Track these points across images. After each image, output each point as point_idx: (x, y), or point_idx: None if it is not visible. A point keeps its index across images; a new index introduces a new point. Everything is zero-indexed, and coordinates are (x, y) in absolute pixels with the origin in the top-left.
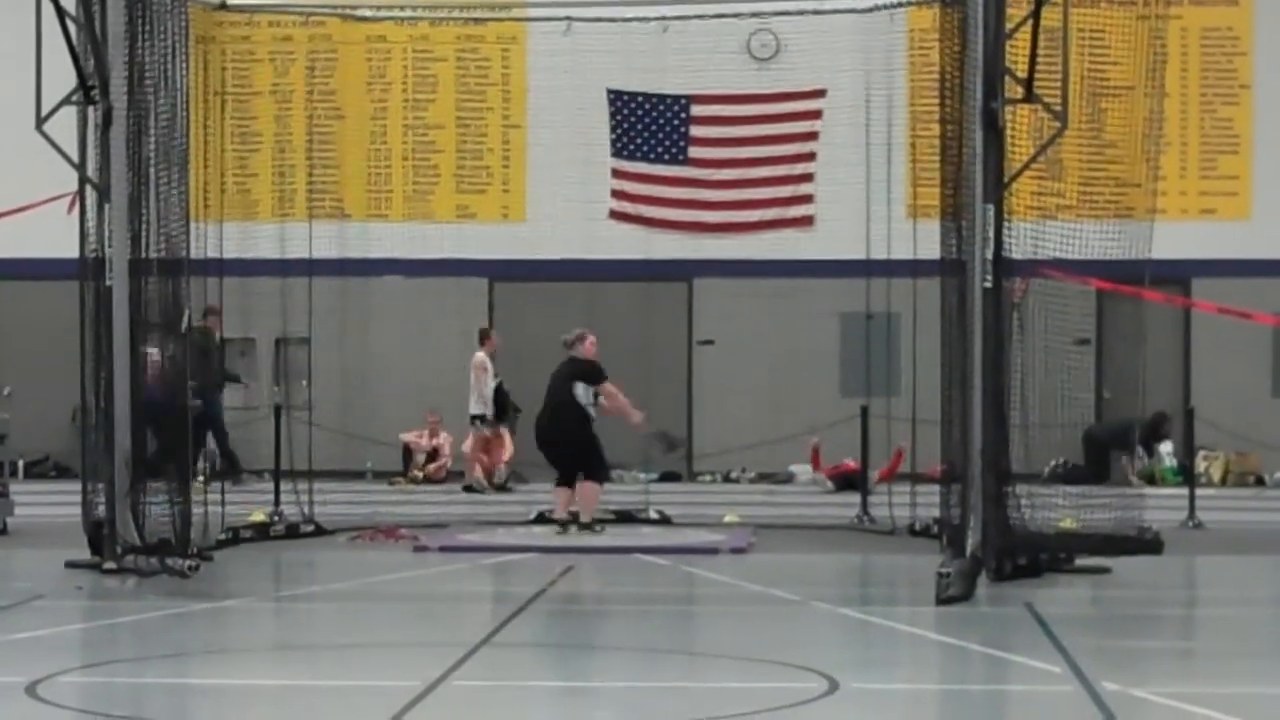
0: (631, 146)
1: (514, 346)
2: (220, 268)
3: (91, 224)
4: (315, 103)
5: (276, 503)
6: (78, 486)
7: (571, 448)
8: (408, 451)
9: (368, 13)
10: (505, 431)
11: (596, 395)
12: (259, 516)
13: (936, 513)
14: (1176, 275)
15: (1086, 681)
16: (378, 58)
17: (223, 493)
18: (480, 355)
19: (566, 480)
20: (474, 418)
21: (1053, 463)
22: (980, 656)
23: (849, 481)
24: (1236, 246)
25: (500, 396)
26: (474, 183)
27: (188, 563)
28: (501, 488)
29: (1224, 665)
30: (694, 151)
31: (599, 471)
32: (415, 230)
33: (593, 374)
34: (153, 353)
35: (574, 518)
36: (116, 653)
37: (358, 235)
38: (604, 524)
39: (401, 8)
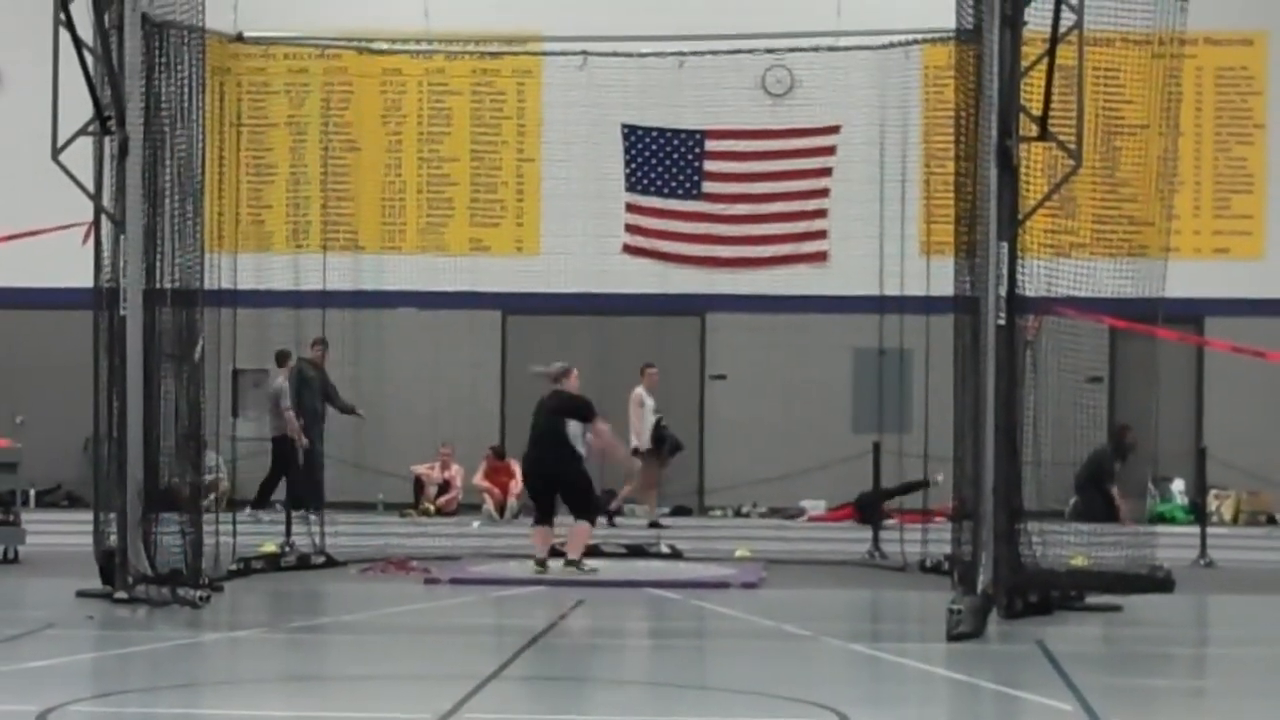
0: (645, 181)
1: (526, 380)
2: (234, 299)
3: (106, 254)
4: (330, 135)
5: (288, 534)
6: (89, 515)
7: (566, 486)
8: (419, 484)
9: (383, 46)
10: (658, 466)
11: (585, 433)
12: (270, 547)
13: (948, 549)
14: (1190, 314)
15: None
16: (393, 90)
17: (234, 523)
18: (638, 391)
19: (545, 519)
20: (632, 451)
21: (1073, 500)
22: (991, 694)
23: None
24: (1250, 286)
25: (659, 431)
26: (488, 216)
27: (199, 593)
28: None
29: (1235, 705)
30: (708, 186)
31: (592, 511)
32: (429, 263)
33: (585, 410)
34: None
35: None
36: (128, 683)
37: (371, 267)
38: (593, 563)
39: (417, 41)
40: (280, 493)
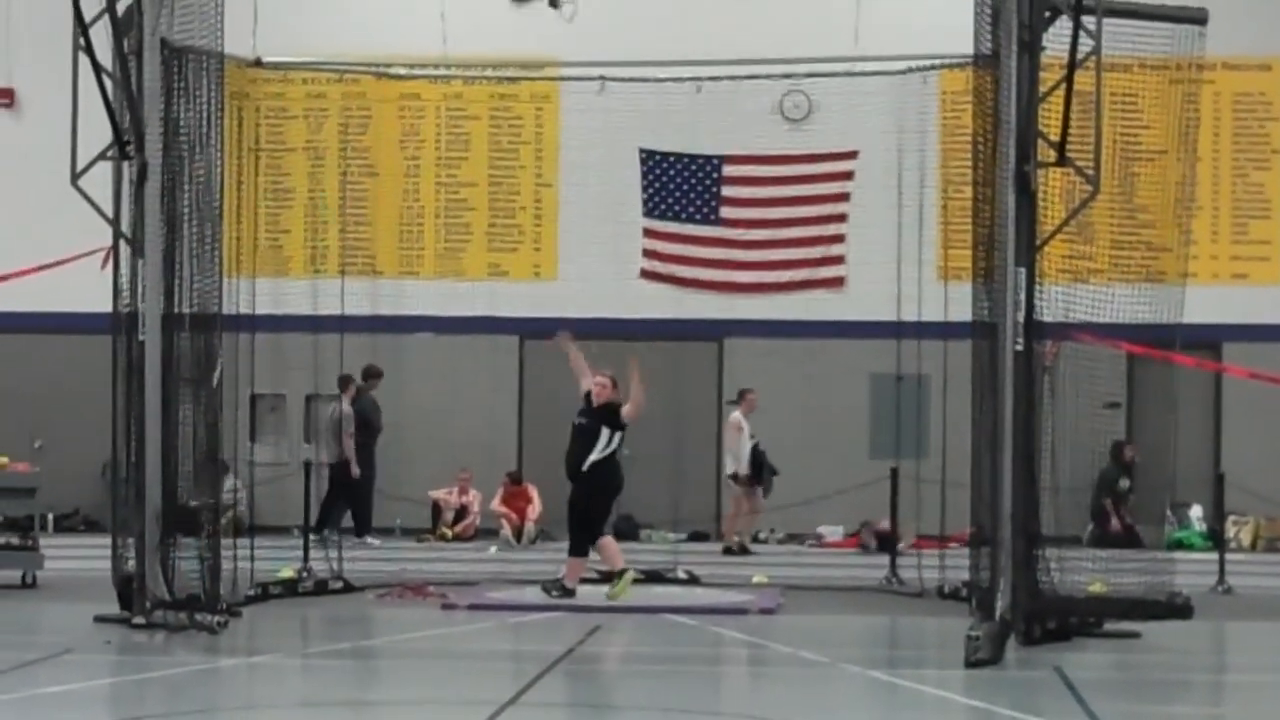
0: (663, 206)
1: (544, 405)
2: (253, 323)
3: (125, 278)
4: (348, 160)
5: (305, 559)
6: (107, 540)
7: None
8: (437, 509)
9: (401, 71)
10: (759, 491)
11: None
12: (288, 573)
13: (965, 575)
14: (1208, 339)
15: None
16: (411, 115)
17: (252, 548)
18: (736, 415)
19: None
20: (730, 476)
21: (1089, 527)
22: None
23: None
24: (1268, 311)
25: (756, 457)
26: (506, 241)
27: (216, 618)
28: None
29: None
30: (725, 211)
31: (578, 544)
32: (447, 288)
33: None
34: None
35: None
36: (145, 708)
37: (389, 292)
38: (569, 593)
39: (435, 66)
40: (285, 519)
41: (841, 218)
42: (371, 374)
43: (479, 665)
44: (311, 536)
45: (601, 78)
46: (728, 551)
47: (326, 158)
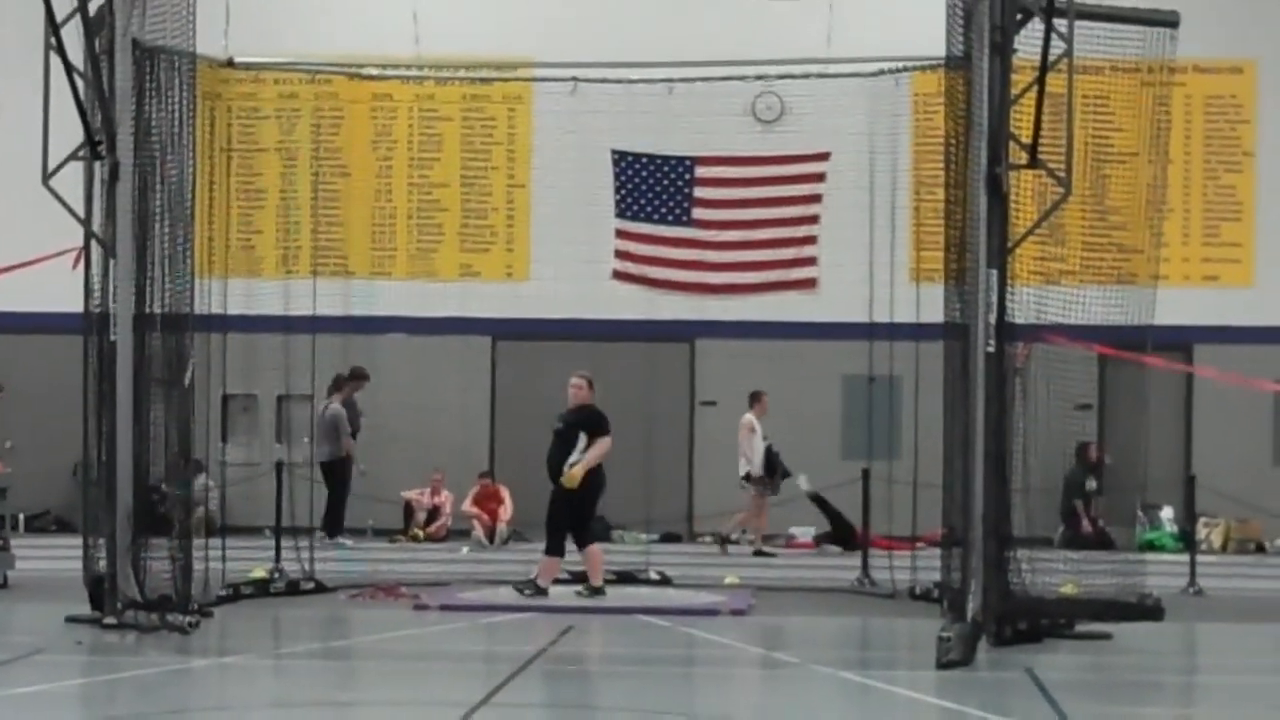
0: (635, 207)
1: (516, 406)
2: (224, 324)
3: (96, 279)
4: (320, 160)
5: (277, 559)
6: (78, 541)
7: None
8: (409, 509)
9: (374, 71)
10: (771, 493)
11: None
12: (260, 573)
13: (937, 576)
14: (1179, 341)
15: None
16: (383, 116)
17: (223, 549)
18: (749, 417)
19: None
20: (743, 478)
21: (1060, 529)
22: None
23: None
24: (1239, 313)
25: (770, 459)
26: (478, 242)
27: (188, 619)
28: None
29: None
30: (698, 213)
31: (549, 543)
32: (419, 288)
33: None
34: None
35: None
36: (117, 709)
37: (361, 293)
38: (542, 592)
39: (408, 67)
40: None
41: (814, 219)
42: (357, 375)
43: (451, 666)
44: (320, 538)
45: (574, 79)
46: (759, 554)
47: (299, 158)
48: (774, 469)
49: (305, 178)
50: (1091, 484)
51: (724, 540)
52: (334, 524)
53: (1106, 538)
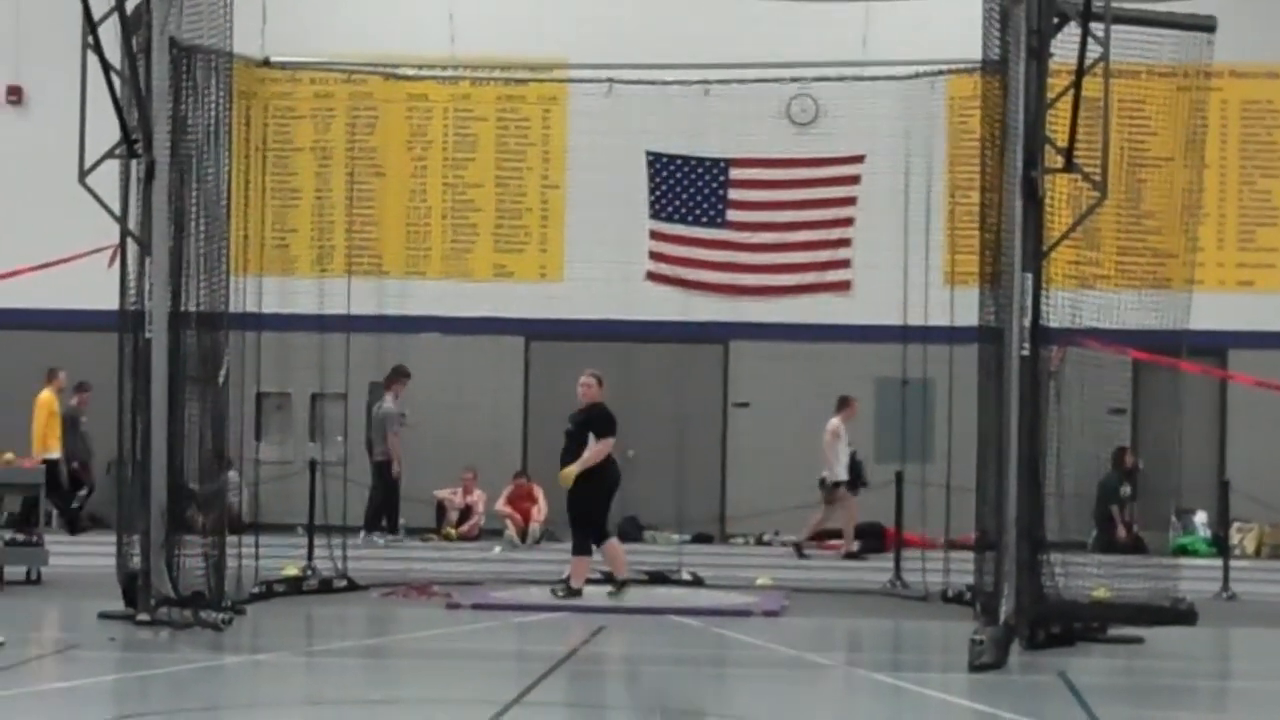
0: (670, 209)
1: (549, 406)
2: (259, 322)
3: (132, 276)
4: (355, 160)
5: (310, 557)
6: (112, 537)
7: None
8: (441, 508)
9: (410, 72)
10: (853, 499)
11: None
12: (292, 571)
13: (969, 579)
14: (1214, 346)
15: None
16: (418, 116)
17: (256, 546)
18: (835, 421)
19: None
20: (820, 481)
21: (1094, 533)
22: None
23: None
24: (1274, 318)
25: (854, 465)
26: (512, 242)
27: (221, 616)
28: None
29: None
30: (732, 214)
31: (581, 544)
32: (453, 288)
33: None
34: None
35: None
36: (150, 705)
37: (396, 292)
38: (575, 593)
39: (443, 67)
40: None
41: (848, 222)
42: (400, 374)
43: (484, 665)
44: (361, 536)
45: (610, 80)
46: (849, 556)
47: (333, 157)
48: (858, 475)
49: (340, 177)
50: (1126, 489)
51: (798, 547)
52: (373, 520)
53: (1140, 543)
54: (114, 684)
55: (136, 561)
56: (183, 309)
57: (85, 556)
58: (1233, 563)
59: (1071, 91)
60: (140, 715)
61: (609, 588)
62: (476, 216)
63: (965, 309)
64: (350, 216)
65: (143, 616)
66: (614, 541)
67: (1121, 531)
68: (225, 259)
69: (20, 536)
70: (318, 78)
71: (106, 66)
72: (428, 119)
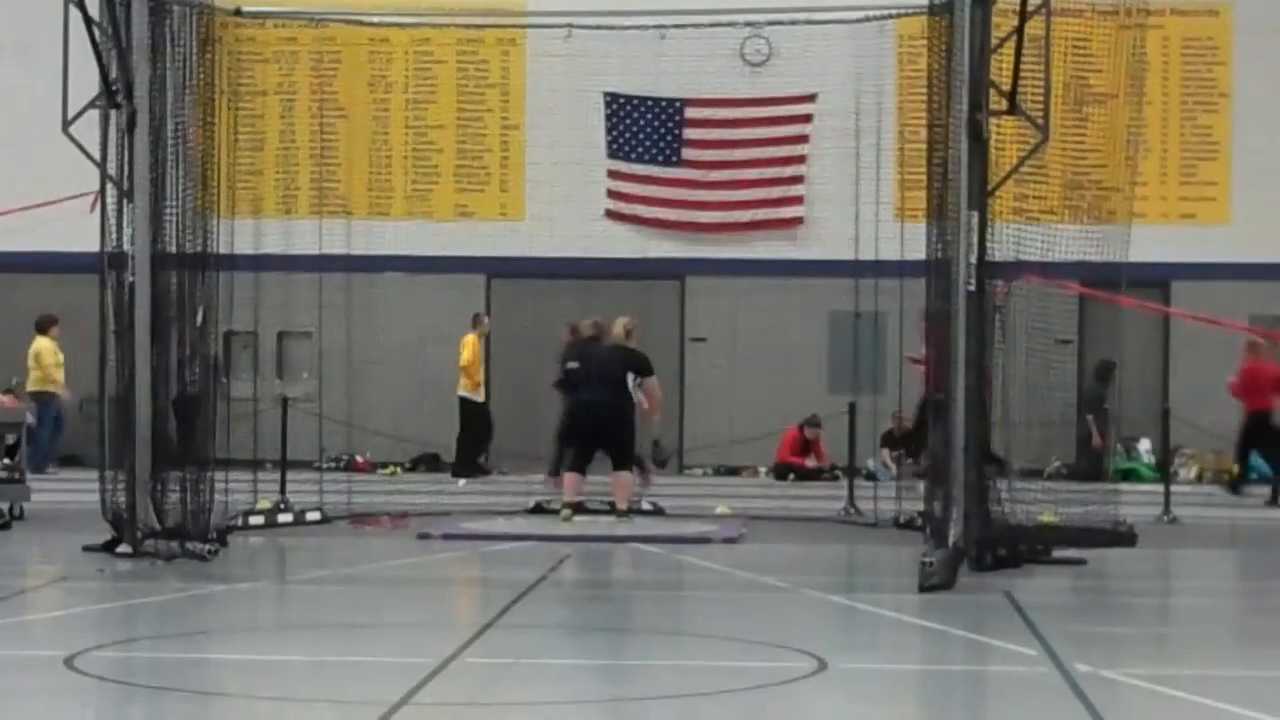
0: (627, 148)
1: (509, 341)
2: (233, 263)
3: (111, 221)
4: (320, 103)
5: (283, 491)
6: (86, 475)
7: (624, 433)
8: None
9: (374, 19)
10: None
11: (639, 386)
12: (265, 504)
13: (920, 506)
14: (1157, 278)
15: (1060, 663)
16: (380, 60)
17: (226, 481)
18: None
19: (581, 467)
20: None
21: (1056, 463)
22: (961, 640)
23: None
24: (1216, 250)
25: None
26: (473, 182)
27: (207, 547)
28: None
29: (1192, 650)
30: (688, 153)
31: (633, 462)
32: (416, 228)
33: (645, 366)
34: None
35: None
36: (143, 630)
37: (360, 232)
38: (635, 514)
39: (404, 13)
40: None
41: (801, 159)
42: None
43: (458, 590)
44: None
45: (568, 25)
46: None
47: (297, 101)
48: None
49: (304, 120)
50: (1108, 403)
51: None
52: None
53: (1098, 461)
54: (110, 611)
55: (123, 498)
56: (161, 251)
57: (61, 493)
58: (1174, 488)
59: (1015, 35)
60: (139, 639)
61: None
62: (438, 157)
63: (915, 244)
64: (315, 159)
65: (124, 549)
66: (628, 476)
67: (1097, 440)
68: (201, 203)
69: (2, 474)
70: (282, 21)
71: (88, 19)
72: (389, 62)
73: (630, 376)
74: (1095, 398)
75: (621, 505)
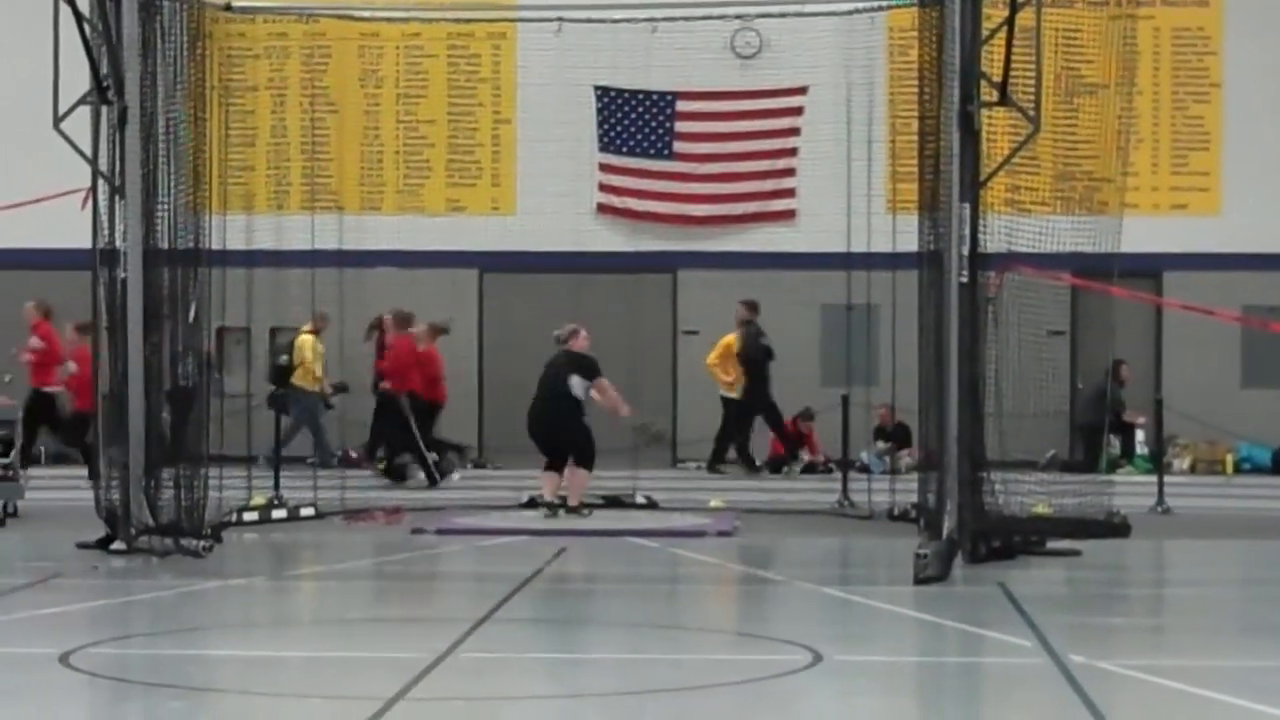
0: (618, 141)
1: (501, 336)
2: (224, 259)
3: (104, 218)
4: (311, 99)
5: (276, 486)
6: (75, 472)
7: (565, 435)
8: None
9: (364, 14)
10: None
11: (588, 388)
12: (259, 500)
13: (914, 498)
14: (1149, 269)
15: (1055, 655)
16: (371, 54)
17: (221, 478)
18: None
19: (555, 466)
20: None
21: (1051, 453)
22: (955, 632)
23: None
24: (1207, 241)
25: None
26: (465, 176)
27: (202, 543)
28: None
29: (1186, 640)
30: (679, 146)
31: (588, 459)
32: (408, 223)
33: (589, 368)
34: None
35: (562, 502)
36: (138, 627)
37: (352, 228)
38: (591, 508)
39: (395, 8)
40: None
41: (792, 152)
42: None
43: (454, 585)
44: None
45: (559, 19)
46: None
47: (289, 96)
48: None
49: (295, 115)
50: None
51: None
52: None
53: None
54: (105, 608)
55: (117, 496)
56: (154, 247)
57: (51, 491)
58: (1167, 478)
59: (1006, 27)
60: (134, 636)
61: (545, 510)
62: (430, 152)
63: (907, 235)
64: (306, 154)
65: (119, 546)
66: (583, 473)
67: (1133, 416)
68: (192, 199)
69: None
70: (272, 16)
71: (79, 15)
72: (380, 57)
73: (575, 380)
74: (1115, 398)
75: (573, 501)
